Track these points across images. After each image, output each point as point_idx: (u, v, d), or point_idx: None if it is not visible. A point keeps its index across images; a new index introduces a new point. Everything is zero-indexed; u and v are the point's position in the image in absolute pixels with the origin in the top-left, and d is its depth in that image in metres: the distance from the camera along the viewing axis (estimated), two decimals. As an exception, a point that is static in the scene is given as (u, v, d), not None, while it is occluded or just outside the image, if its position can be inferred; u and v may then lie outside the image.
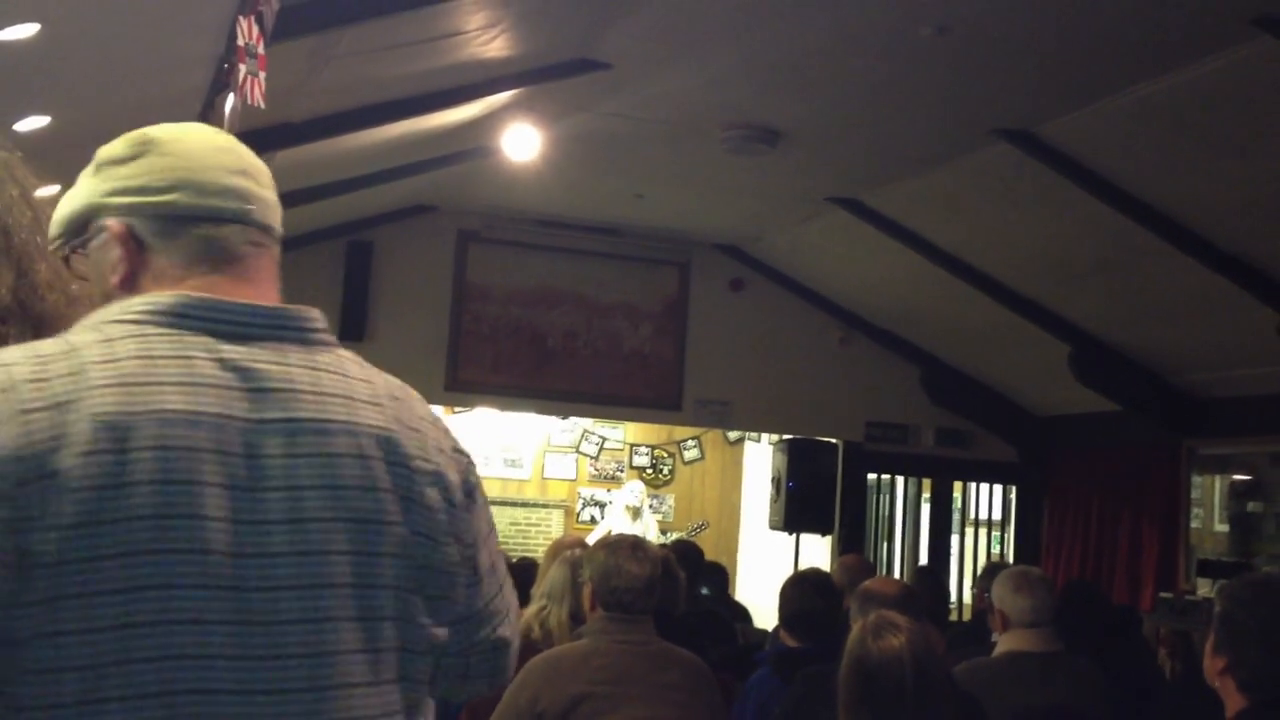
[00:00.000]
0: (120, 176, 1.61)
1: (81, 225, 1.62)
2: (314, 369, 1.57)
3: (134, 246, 1.59)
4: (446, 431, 1.72)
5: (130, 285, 1.58)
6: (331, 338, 1.64)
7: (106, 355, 1.44)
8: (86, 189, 1.63)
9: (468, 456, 1.74)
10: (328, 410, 1.55)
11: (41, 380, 1.39)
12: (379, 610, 1.54)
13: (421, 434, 1.64)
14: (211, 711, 1.40)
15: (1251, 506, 9.05)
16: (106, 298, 1.60)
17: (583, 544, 5.37)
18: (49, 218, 1.68)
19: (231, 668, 1.41)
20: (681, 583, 5.44)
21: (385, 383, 1.66)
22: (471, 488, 1.70)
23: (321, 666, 1.48)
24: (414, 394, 1.71)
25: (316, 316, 1.63)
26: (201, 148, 1.63)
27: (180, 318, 1.52)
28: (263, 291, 1.63)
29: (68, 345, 1.45)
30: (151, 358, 1.46)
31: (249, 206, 1.63)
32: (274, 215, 1.69)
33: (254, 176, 1.66)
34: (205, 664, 1.40)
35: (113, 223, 1.59)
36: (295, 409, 1.52)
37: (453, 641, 1.68)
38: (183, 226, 1.59)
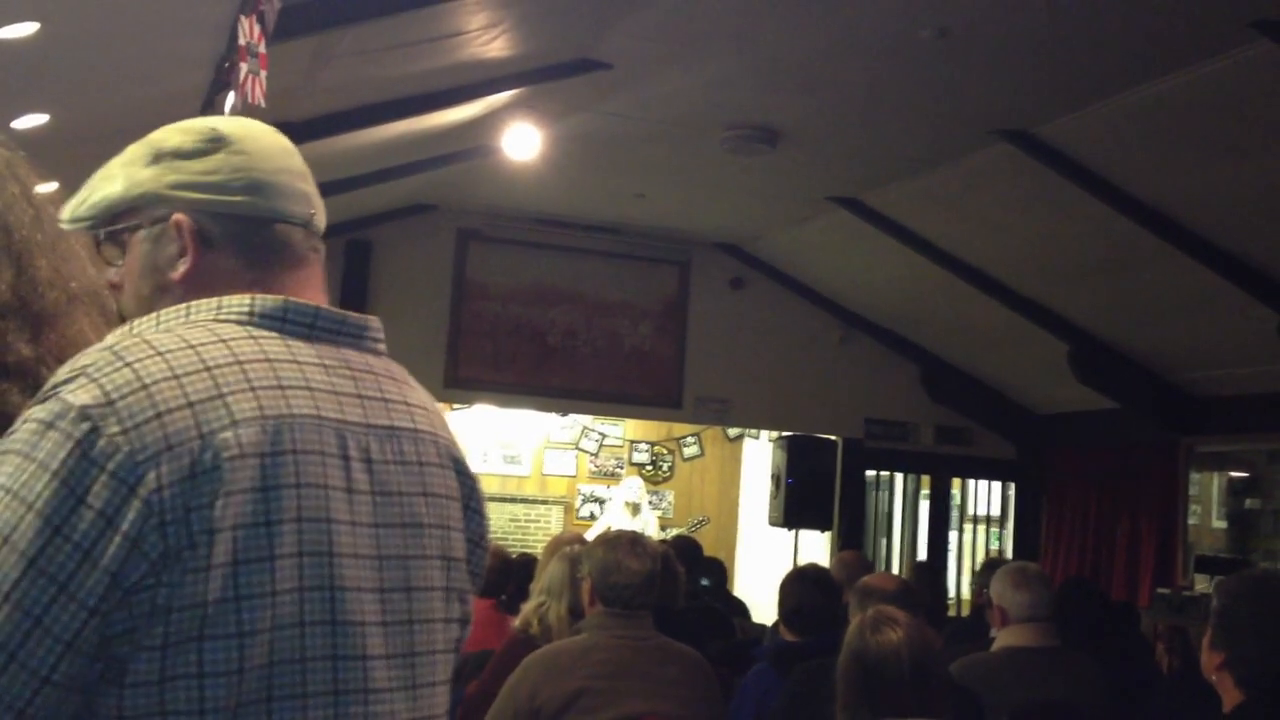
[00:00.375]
0: (190, 171, 1.57)
1: (127, 212, 1.58)
2: (391, 378, 1.59)
3: (200, 243, 1.55)
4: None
5: (190, 281, 1.55)
6: (384, 345, 1.64)
7: (228, 356, 1.42)
8: (143, 177, 1.58)
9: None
10: (415, 419, 1.58)
11: (176, 378, 1.37)
12: (452, 614, 1.60)
13: (458, 445, 1.69)
14: (362, 710, 1.44)
15: (1249, 503, 9.09)
16: (158, 289, 1.57)
17: (582, 540, 5.37)
18: (51, 215, 1.65)
19: (378, 665, 1.45)
20: (681, 578, 5.45)
21: (427, 395, 1.69)
22: (482, 500, 1.76)
23: (422, 667, 1.53)
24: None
25: (379, 326, 1.63)
26: (273, 149, 1.61)
27: (282, 321, 1.51)
28: (324, 297, 1.62)
29: (185, 342, 1.42)
30: (269, 360, 1.45)
31: (314, 212, 1.63)
32: (324, 219, 1.69)
33: (311, 181, 1.66)
34: (360, 664, 1.43)
35: (181, 217, 1.55)
36: (391, 416, 1.54)
37: None
38: (255, 228, 1.57)
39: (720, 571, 8.01)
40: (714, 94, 6.82)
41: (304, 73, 5.40)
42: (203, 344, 1.42)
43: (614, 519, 12.17)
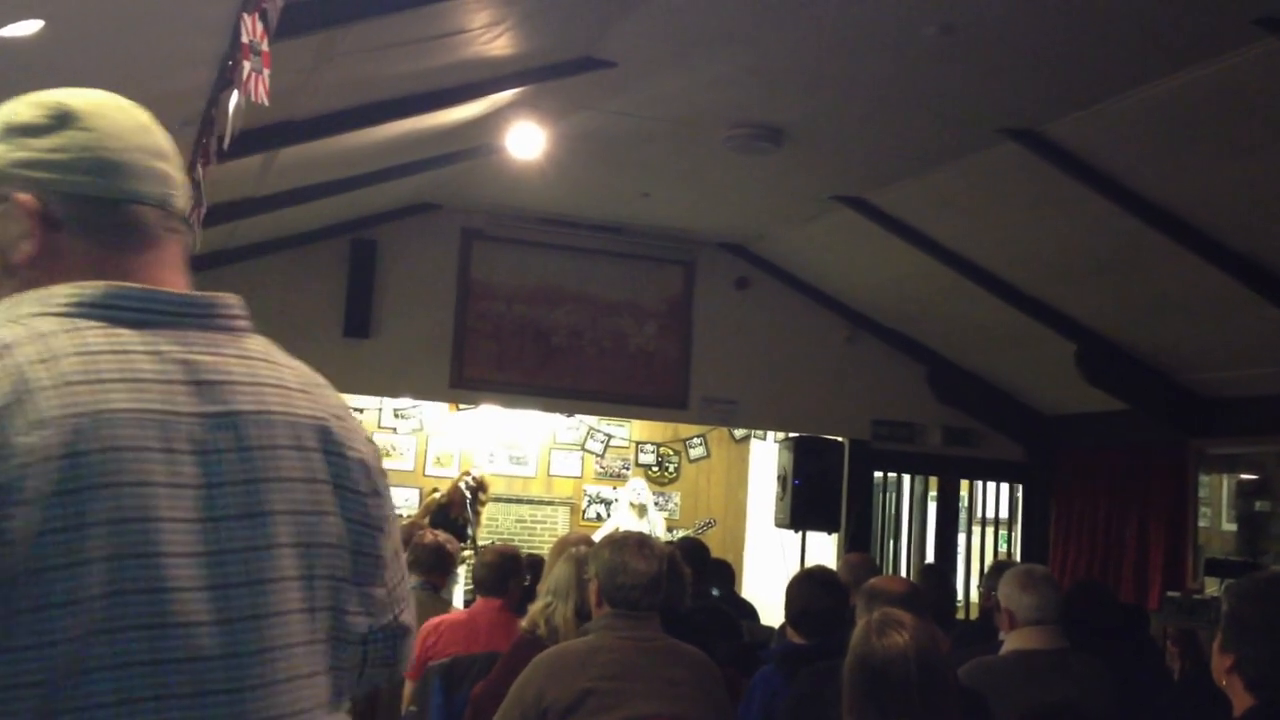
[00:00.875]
0: (36, 148, 1.52)
1: None
2: (246, 357, 1.53)
3: (45, 224, 1.51)
4: (358, 420, 1.70)
5: (36, 264, 1.51)
6: (251, 326, 1.59)
7: (42, 354, 1.37)
8: None
9: (374, 445, 1.71)
10: (265, 400, 1.51)
11: None
12: (318, 602, 1.53)
13: (345, 421, 1.62)
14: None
15: (1259, 506, 9.03)
16: (3, 271, 1.53)
17: (588, 541, 5.38)
18: None
19: (182, 669, 1.38)
20: (687, 580, 5.45)
21: (306, 370, 1.63)
22: (383, 474, 1.68)
23: (272, 662, 1.45)
24: (326, 382, 1.67)
25: (238, 303, 1.58)
26: (124, 126, 1.57)
27: (110, 309, 1.46)
28: (180, 279, 1.57)
29: None
30: (90, 354, 1.39)
31: (171, 192, 1.58)
32: (185, 201, 1.63)
33: (171, 159, 1.60)
34: (158, 669, 1.36)
35: (24, 197, 1.50)
36: (236, 401, 1.48)
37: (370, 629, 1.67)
38: (103, 209, 1.52)
39: (727, 575, 7.99)
40: (718, 92, 6.78)
41: (307, 71, 5.36)
42: (16, 343, 1.37)
43: (620, 520, 12.16)
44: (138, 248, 1.54)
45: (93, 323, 1.43)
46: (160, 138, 1.60)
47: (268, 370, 1.55)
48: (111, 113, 1.57)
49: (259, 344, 1.58)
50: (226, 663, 1.40)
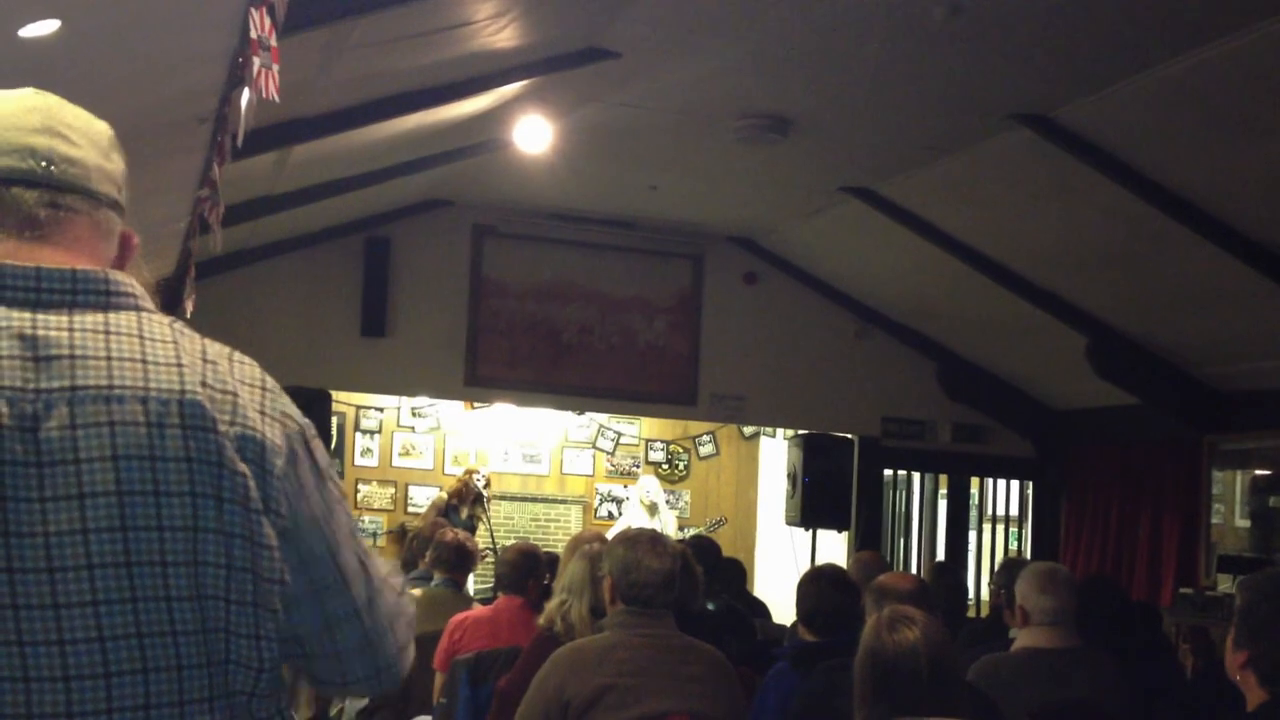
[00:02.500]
0: None
1: None
2: (107, 333, 1.49)
3: None
4: (274, 394, 1.60)
5: None
6: (137, 301, 1.55)
7: None
8: None
9: (300, 424, 1.62)
10: (116, 376, 1.46)
11: None
12: (169, 591, 1.45)
13: (234, 396, 1.53)
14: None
15: (1273, 502, 8.98)
16: None
17: (601, 539, 5.42)
18: None
19: (42, 651, 1.38)
20: (699, 578, 5.49)
21: (197, 346, 1.56)
22: (295, 456, 1.58)
23: (120, 650, 1.42)
24: (237, 357, 1.61)
25: (119, 279, 1.54)
26: (8, 108, 1.57)
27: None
28: (70, 255, 1.54)
29: None
30: None
31: (48, 166, 1.54)
32: (93, 177, 1.59)
33: (64, 135, 1.57)
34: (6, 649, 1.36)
35: None
36: (80, 377, 1.44)
37: (314, 641, 1.60)
38: None
39: (738, 573, 8.02)
40: (724, 82, 6.76)
41: (316, 67, 5.38)
42: None
43: (632, 519, 12.13)
44: (13, 228, 1.52)
45: None
46: (54, 115, 1.57)
47: (128, 345, 1.49)
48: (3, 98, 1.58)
49: (132, 319, 1.52)
50: (59, 649, 1.39)
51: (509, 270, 10.36)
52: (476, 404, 12.31)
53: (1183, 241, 7.19)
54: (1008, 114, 6.69)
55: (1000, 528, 11.58)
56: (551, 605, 4.94)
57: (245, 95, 4.04)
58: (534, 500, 13.55)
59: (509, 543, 12.53)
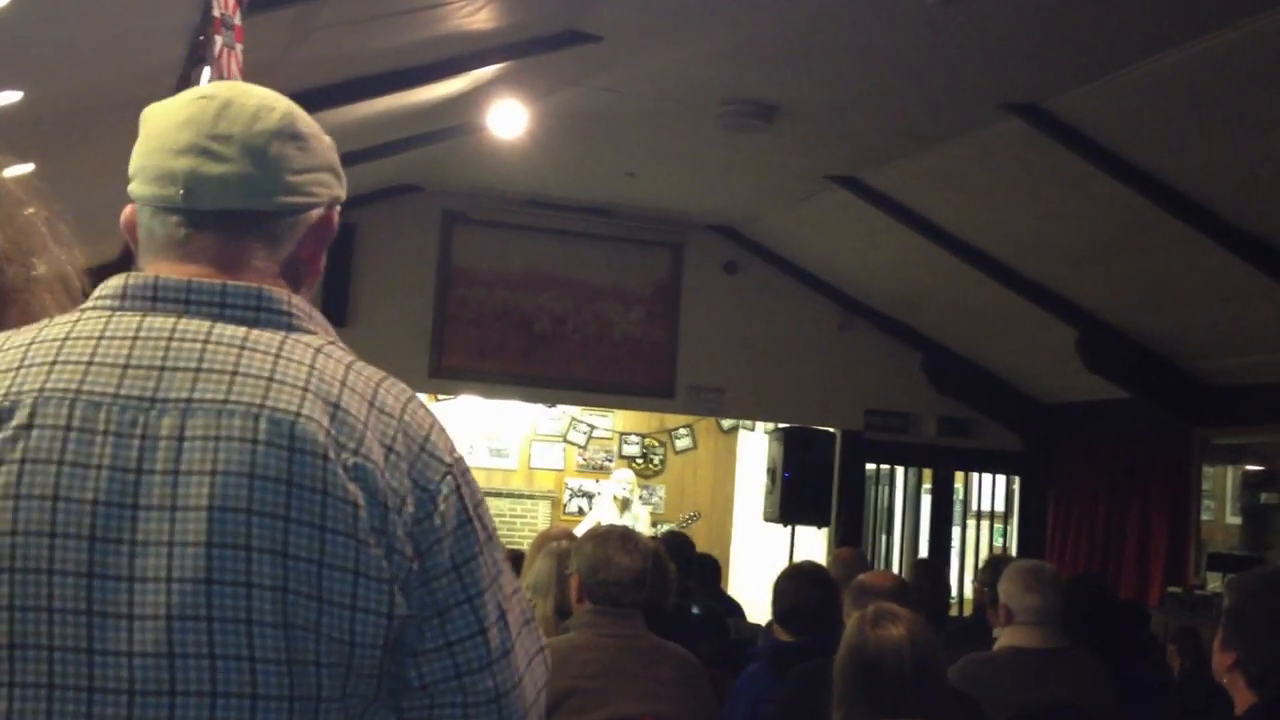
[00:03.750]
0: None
1: None
2: (242, 348, 1.46)
3: (130, 231, 1.59)
4: (414, 428, 1.52)
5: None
6: (291, 319, 1.53)
7: (21, 343, 1.47)
8: None
9: (447, 463, 1.53)
10: (235, 391, 1.43)
11: None
12: (250, 614, 1.39)
13: (364, 426, 1.46)
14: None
15: (1265, 498, 9.01)
16: None
17: (570, 535, 5.35)
18: (7, 190, 1.71)
19: (65, 660, 1.37)
20: (672, 576, 5.43)
21: (339, 371, 1.50)
22: (433, 496, 1.49)
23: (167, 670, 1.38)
24: (386, 385, 1.53)
25: (274, 295, 1.52)
26: (163, 125, 1.55)
27: (121, 299, 1.49)
28: (218, 272, 1.53)
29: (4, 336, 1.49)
30: (67, 339, 1.46)
31: (185, 192, 1.52)
32: (239, 192, 1.54)
33: (211, 151, 1.53)
34: (46, 655, 1.37)
35: (128, 207, 1.59)
36: (199, 390, 1.43)
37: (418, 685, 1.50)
38: (143, 215, 1.56)
39: (713, 570, 7.95)
40: (707, 68, 6.69)
41: (282, 46, 5.29)
42: (21, 333, 1.50)
43: (602, 515, 12.02)
44: (156, 252, 1.55)
45: (101, 311, 1.49)
46: (204, 127, 1.54)
47: (260, 362, 1.46)
48: (164, 111, 1.57)
49: (276, 338, 1.50)
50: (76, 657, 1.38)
51: (480, 258, 10.25)
52: (441, 396, 12.16)
53: (1174, 234, 7.18)
54: (998, 103, 6.66)
55: (985, 524, 11.60)
56: None
57: (205, 75, 3.98)
58: (500, 495, 13.40)
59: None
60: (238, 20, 3.84)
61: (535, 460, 13.63)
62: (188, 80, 4.65)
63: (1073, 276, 8.60)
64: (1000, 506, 11.47)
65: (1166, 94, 6.12)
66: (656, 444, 13.92)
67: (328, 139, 1.64)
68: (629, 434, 13.84)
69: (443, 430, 1.55)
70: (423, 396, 10.55)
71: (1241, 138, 6.27)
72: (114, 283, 1.50)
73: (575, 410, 13.36)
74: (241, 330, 1.48)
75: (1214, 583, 8.63)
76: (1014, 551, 10.81)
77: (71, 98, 4.76)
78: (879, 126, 7.41)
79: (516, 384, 10.52)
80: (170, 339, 1.46)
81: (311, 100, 6.07)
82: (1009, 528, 11.44)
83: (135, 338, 1.45)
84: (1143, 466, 9.62)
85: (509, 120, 7.31)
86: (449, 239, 10.18)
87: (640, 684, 3.86)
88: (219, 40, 3.77)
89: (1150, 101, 6.25)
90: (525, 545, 7.95)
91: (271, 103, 1.56)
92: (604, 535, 4.16)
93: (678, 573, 5.96)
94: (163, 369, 1.43)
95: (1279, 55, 5.51)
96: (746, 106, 7.14)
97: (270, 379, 1.44)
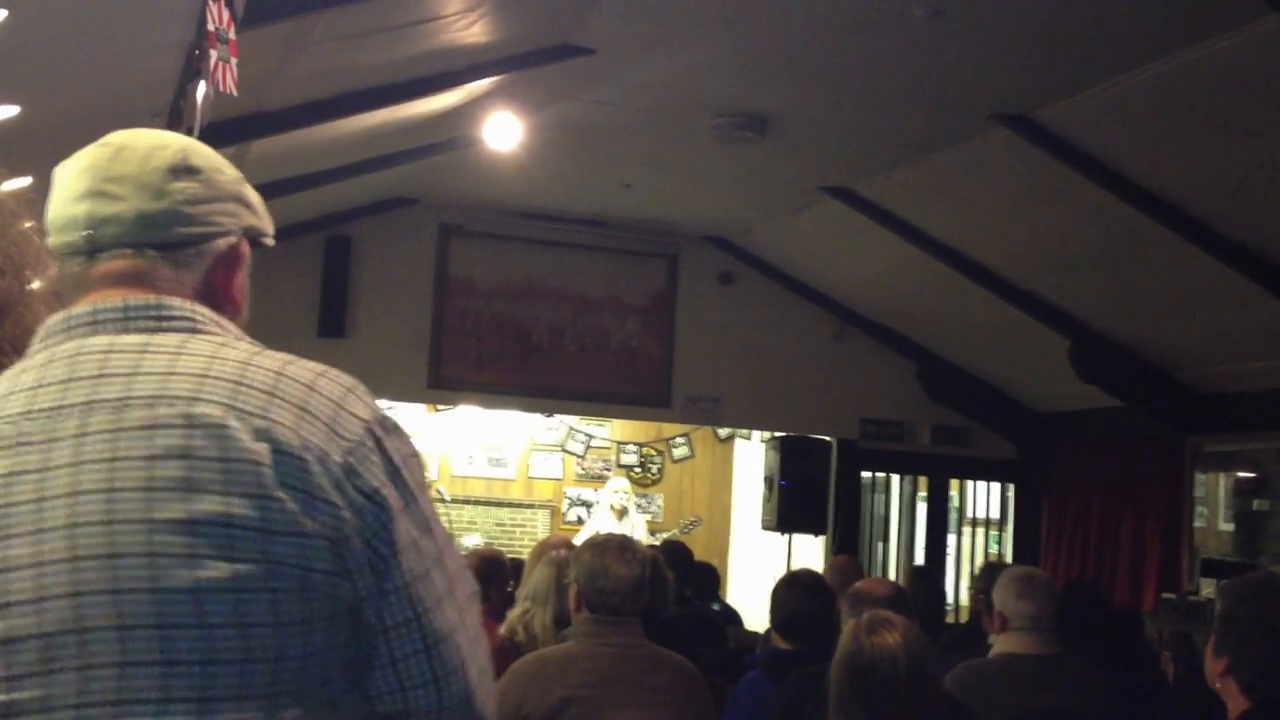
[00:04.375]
0: None
1: None
2: (142, 352, 1.53)
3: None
4: (326, 390, 1.56)
5: None
6: (195, 324, 1.59)
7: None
8: None
9: (365, 421, 1.56)
10: (134, 389, 1.49)
11: None
12: (154, 581, 1.42)
13: (260, 392, 1.50)
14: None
15: (1257, 505, 8.94)
16: None
17: (569, 544, 5.37)
18: (4, 206, 1.74)
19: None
20: (670, 584, 5.46)
21: (244, 354, 1.55)
22: (355, 449, 1.52)
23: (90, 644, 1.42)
24: (300, 364, 1.57)
25: (174, 304, 1.59)
26: (66, 174, 1.62)
27: (45, 338, 1.57)
28: (123, 290, 1.60)
29: None
30: (18, 372, 1.55)
31: (88, 234, 1.59)
32: (134, 228, 1.60)
33: (105, 193, 1.60)
34: None
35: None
36: (99, 392, 1.49)
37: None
38: (61, 261, 1.64)
39: (711, 578, 7.95)
40: (700, 80, 6.68)
41: (278, 59, 5.31)
42: None
43: (600, 524, 12.03)
44: (77, 293, 1.61)
45: (46, 347, 1.57)
46: (98, 170, 1.61)
47: (161, 360, 1.52)
48: (65, 166, 1.64)
49: (176, 339, 1.55)
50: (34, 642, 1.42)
51: (476, 270, 10.24)
52: (440, 407, 12.17)
53: (1165, 243, 7.16)
54: (988, 114, 6.65)
55: (980, 531, 11.54)
56: (514, 614, 4.88)
57: (201, 89, 4.00)
58: (499, 505, 13.41)
59: (468, 542, 12.45)
60: (232, 35, 3.87)
61: (534, 470, 13.63)
62: (184, 94, 4.65)
63: (1064, 286, 8.57)
64: (995, 514, 11.42)
65: (1155, 104, 6.11)
66: (654, 453, 13.93)
67: (231, 172, 1.68)
68: (627, 443, 13.85)
69: (362, 397, 1.58)
70: (421, 407, 10.57)
71: (1229, 147, 6.25)
72: (48, 322, 1.59)
73: (573, 420, 13.37)
74: (143, 337, 1.54)
75: (1207, 589, 8.54)
76: (1009, 558, 10.81)
77: (68, 112, 4.75)
78: (871, 138, 7.39)
79: (514, 394, 10.51)
80: (76, 356, 1.52)
81: (307, 114, 6.13)
82: (1004, 534, 11.40)
83: (48, 363, 1.52)
84: (1136, 474, 9.59)
85: (504, 133, 7.31)
86: (445, 251, 10.17)
87: (638, 693, 3.86)
88: (214, 54, 3.80)
89: (1139, 111, 6.23)
90: (525, 554, 7.96)
91: (165, 142, 1.62)
92: (602, 544, 4.16)
93: (676, 581, 6.00)
94: (68, 381, 1.50)
95: (1266, 65, 5.50)
96: (739, 119, 7.13)
97: (168, 373, 1.49)
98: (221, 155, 1.70)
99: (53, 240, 1.61)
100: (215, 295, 1.64)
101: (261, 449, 1.44)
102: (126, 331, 1.54)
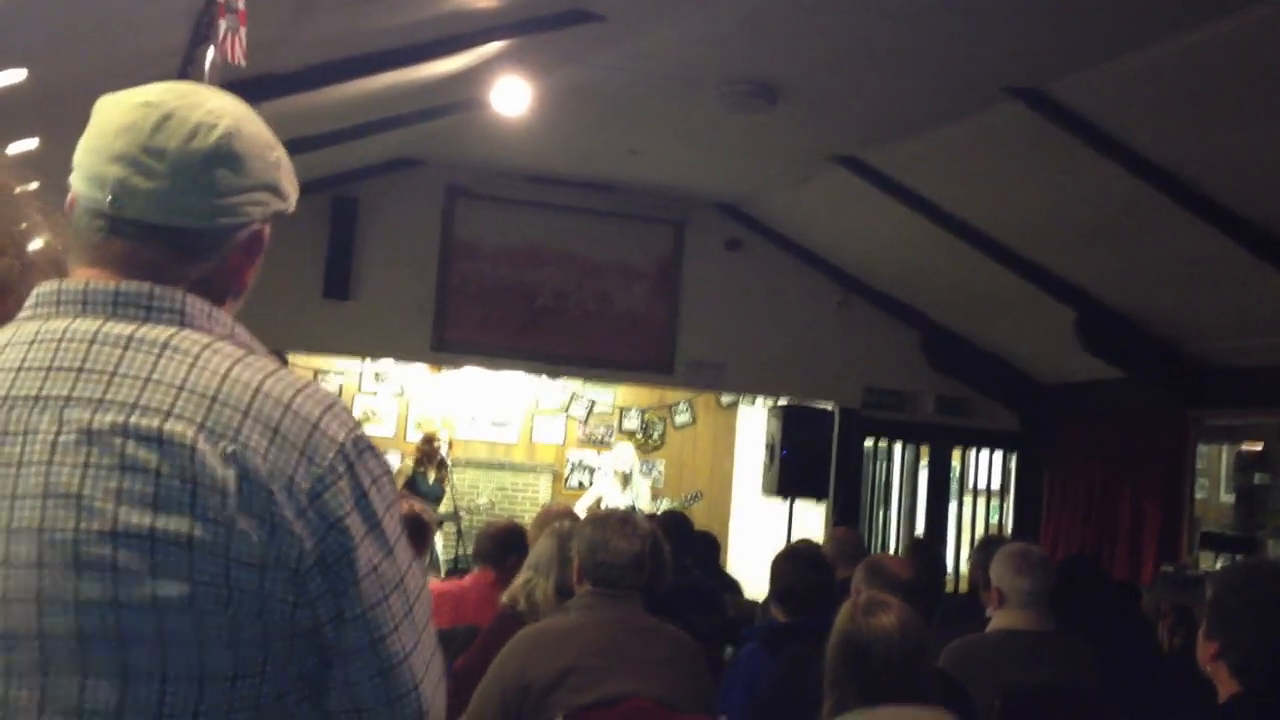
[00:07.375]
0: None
1: None
2: (126, 347, 1.51)
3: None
4: (304, 411, 1.53)
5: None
6: (184, 316, 1.56)
7: None
8: None
9: (339, 444, 1.54)
10: (112, 392, 1.48)
11: None
12: (115, 595, 1.43)
13: (236, 412, 1.48)
14: None
15: (1259, 478, 8.91)
16: None
17: (571, 514, 5.40)
18: (8, 186, 1.74)
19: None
20: (667, 556, 5.44)
21: (226, 362, 1.53)
22: (318, 494, 1.50)
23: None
24: (281, 376, 1.55)
25: (165, 292, 1.56)
26: (105, 126, 1.57)
27: (35, 306, 1.56)
28: (120, 274, 1.56)
29: None
30: (4, 344, 1.54)
31: (113, 198, 1.55)
32: (161, 213, 1.56)
33: (144, 166, 1.55)
34: None
35: (71, 194, 1.59)
36: (78, 389, 1.48)
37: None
38: (78, 205, 1.59)
39: (711, 547, 7.93)
40: (711, 47, 6.65)
41: (287, 24, 5.29)
42: None
43: (603, 489, 12.02)
44: (84, 252, 1.58)
45: (33, 318, 1.56)
46: (141, 137, 1.55)
47: (141, 361, 1.50)
48: (110, 108, 1.58)
49: (164, 334, 1.53)
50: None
51: (482, 232, 10.22)
52: (443, 368, 12.17)
53: (1173, 218, 7.15)
54: (1001, 86, 6.63)
55: (982, 500, 11.55)
56: (516, 583, 4.87)
57: (210, 55, 4.02)
58: (501, 468, 13.40)
59: (473, 507, 12.45)
60: (241, 4, 3.89)
61: (537, 434, 13.62)
62: (192, 61, 4.68)
63: (1071, 258, 8.56)
64: (996, 484, 11.43)
65: (1168, 80, 6.09)
66: (656, 419, 13.91)
67: (274, 155, 1.65)
68: (629, 408, 13.84)
69: (340, 415, 1.56)
70: (424, 367, 10.56)
71: (1240, 125, 6.24)
72: (38, 289, 1.57)
73: (576, 384, 13.36)
74: (130, 328, 1.52)
75: (1206, 562, 8.60)
76: (1009, 528, 10.87)
77: (76, 78, 4.72)
78: (882, 108, 7.37)
79: (518, 357, 10.53)
80: (61, 340, 1.51)
81: (316, 76, 6.12)
82: (1005, 504, 11.42)
83: (33, 341, 1.52)
84: (1138, 446, 9.59)
85: (512, 97, 7.28)
86: (452, 213, 10.15)
87: (639, 664, 3.89)
88: (223, 24, 3.84)
89: (1151, 87, 6.22)
90: (526, 519, 7.95)
91: (214, 119, 1.57)
92: (603, 519, 4.23)
93: (676, 551, 6.00)
94: (49, 369, 1.49)
95: (1276, 44, 5.48)
96: (749, 86, 7.10)
97: (148, 378, 1.48)
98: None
99: (76, 184, 1.57)
100: (226, 279, 1.62)
101: (229, 475, 1.44)
102: (113, 318, 1.52)
